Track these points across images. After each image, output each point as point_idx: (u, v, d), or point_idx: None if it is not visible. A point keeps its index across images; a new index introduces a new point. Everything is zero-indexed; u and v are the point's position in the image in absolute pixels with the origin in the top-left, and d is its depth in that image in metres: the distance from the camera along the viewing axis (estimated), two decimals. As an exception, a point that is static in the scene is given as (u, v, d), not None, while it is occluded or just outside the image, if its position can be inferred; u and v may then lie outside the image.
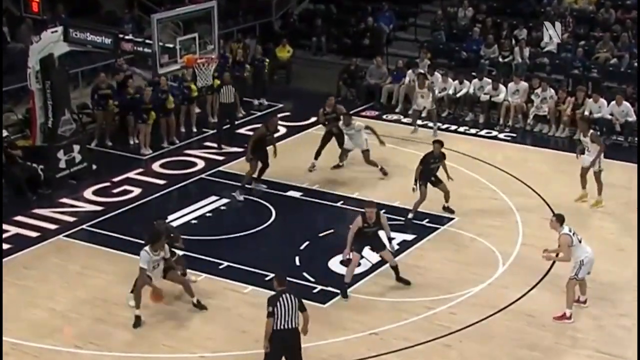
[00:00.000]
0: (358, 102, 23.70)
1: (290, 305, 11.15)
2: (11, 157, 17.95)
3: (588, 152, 17.14)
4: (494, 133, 21.73)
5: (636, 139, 20.46)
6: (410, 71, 23.22)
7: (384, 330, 13.19)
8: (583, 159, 17.23)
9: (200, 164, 19.82)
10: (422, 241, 15.97)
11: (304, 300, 11.50)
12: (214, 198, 17.88)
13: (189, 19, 17.68)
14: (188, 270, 14.35)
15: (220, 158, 20.07)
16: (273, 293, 11.41)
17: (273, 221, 16.92)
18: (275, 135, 18.66)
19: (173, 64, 16.78)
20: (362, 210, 14.19)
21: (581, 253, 13.24)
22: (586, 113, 20.80)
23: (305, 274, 14.78)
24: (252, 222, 16.78)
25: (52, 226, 16.73)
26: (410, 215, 16.56)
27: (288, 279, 11.66)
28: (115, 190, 18.36)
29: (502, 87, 22.39)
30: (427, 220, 16.69)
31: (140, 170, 19.49)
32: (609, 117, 20.79)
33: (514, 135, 21.62)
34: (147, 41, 16.89)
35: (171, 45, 16.63)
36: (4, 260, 15.22)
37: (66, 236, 16.36)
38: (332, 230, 16.33)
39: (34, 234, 16.43)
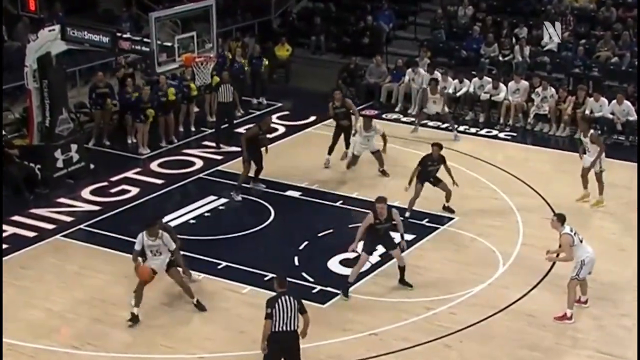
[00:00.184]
0: (357, 101, 23.57)
1: (289, 307, 11.06)
2: (8, 156, 17.88)
3: (588, 153, 17.08)
4: (495, 132, 21.67)
5: (637, 138, 20.39)
6: (409, 70, 23.18)
7: (384, 331, 13.13)
8: (584, 159, 17.16)
9: (199, 163, 19.74)
10: (422, 241, 15.89)
11: (305, 302, 11.40)
12: (212, 198, 17.80)
13: (187, 18, 17.58)
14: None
15: (219, 157, 20.00)
16: (273, 294, 11.33)
17: (272, 221, 16.85)
18: (273, 135, 18.59)
19: (171, 62, 16.75)
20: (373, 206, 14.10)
21: (582, 253, 13.18)
22: (587, 112, 20.74)
23: (304, 274, 14.71)
24: (251, 222, 16.71)
25: (50, 226, 16.66)
26: (407, 214, 16.48)
27: (287, 279, 11.57)
28: (113, 190, 18.29)
29: (502, 86, 22.33)
30: (427, 220, 16.62)
31: (138, 169, 19.41)
32: (610, 116, 20.72)
33: (515, 134, 21.56)
34: (145, 40, 16.85)
35: (169, 44, 16.59)
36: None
37: (63, 236, 16.29)
38: (331, 230, 16.26)
39: (31, 234, 16.36)
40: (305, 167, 19.12)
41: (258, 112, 22.73)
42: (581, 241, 13.18)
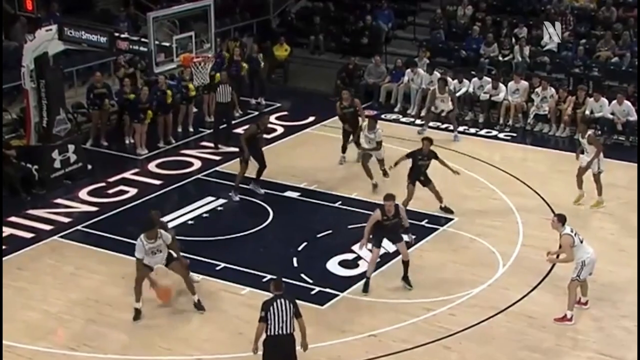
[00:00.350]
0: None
1: (284, 310, 11.00)
2: (5, 157, 17.80)
3: (586, 153, 17.03)
4: (494, 132, 21.62)
5: (637, 138, 20.33)
6: (409, 70, 23.13)
7: (383, 332, 13.07)
8: (581, 159, 17.11)
9: (197, 164, 19.67)
10: (422, 242, 15.81)
11: (300, 304, 11.34)
12: (210, 198, 17.73)
13: (186, 17, 17.51)
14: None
15: (217, 158, 19.93)
16: (268, 297, 11.27)
17: (270, 222, 16.78)
18: (272, 135, 18.54)
19: (169, 62, 16.67)
20: (381, 203, 14.07)
21: (583, 254, 13.12)
22: (587, 112, 20.69)
23: (303, 275, 14.65)
24: (250, 222, 16.64)
25: (47, 227, 16.60)
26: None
27: (286, 280, 11.51)
28: (110, 191, 18.22)
29: (502, 86, 22.28)
30: (426, 220, 16.56)
31: (136, 170, 19.35)
32: (610, 116, 20.66)
33: (514, 134, 21.51)
34: (143, 40, 16.77)
35: (167, 44, 16.51)
36: (-2, 261, 15.11)
37: (61, 237, 16.21)
38: (330, 231, 16.19)
39: (28, 235, 16.29)
40: (304, 167, 19.06)
41: (257, 113, 22.67)
42: (582, 242, 13.12)
